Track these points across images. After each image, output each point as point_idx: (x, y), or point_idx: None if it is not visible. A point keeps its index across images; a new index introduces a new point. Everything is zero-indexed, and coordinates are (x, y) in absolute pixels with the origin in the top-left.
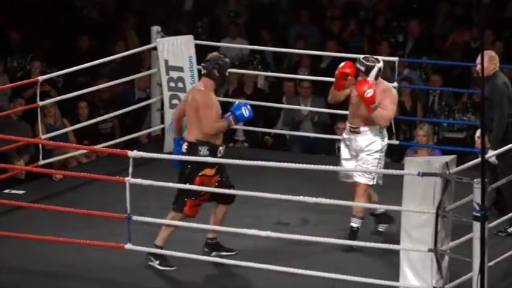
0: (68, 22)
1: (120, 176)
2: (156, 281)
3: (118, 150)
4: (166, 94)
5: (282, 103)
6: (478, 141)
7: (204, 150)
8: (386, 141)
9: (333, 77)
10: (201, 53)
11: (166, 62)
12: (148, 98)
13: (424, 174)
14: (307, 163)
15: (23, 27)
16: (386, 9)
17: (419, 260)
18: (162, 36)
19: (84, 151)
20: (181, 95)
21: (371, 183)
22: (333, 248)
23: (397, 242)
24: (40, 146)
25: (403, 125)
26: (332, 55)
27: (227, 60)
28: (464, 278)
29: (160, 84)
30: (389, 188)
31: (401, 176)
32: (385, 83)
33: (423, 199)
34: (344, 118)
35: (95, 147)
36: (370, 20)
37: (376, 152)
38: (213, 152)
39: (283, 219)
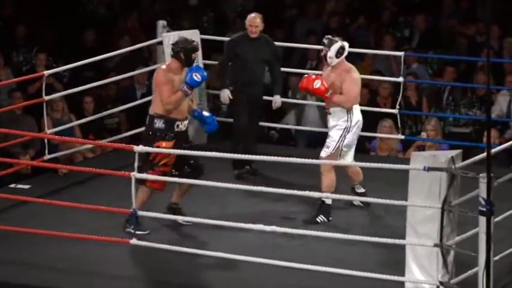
0: (73, 16)
1: (126, 171)
2: (161, 275)
3: (124, 145)
4: None
5: (288, 97)
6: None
7: (159, 123)
8: (353, 120)
9: None
10: (207, 47)
11: None
12: (149, 93)
13: (430, 169)
14: (312, 158)
15: (28, 21)
16: (392, 4)
17: (425, 255)
18: (167, 31)
19: (90, 146)
20: None
21: (325, 154)
22: (338, 243)
23: (403, 237)
24: (46, 140)
25: (408, 120)
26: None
27: (195, 44)
28: (470, 272)
29: None
30: (396, 183)
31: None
32: (348, 64)
33: (429, 194)
34: None
35: (100, 142)
36: (377, 14)
37: (340, 129)
38: (168, 125)
39: (288, 214)
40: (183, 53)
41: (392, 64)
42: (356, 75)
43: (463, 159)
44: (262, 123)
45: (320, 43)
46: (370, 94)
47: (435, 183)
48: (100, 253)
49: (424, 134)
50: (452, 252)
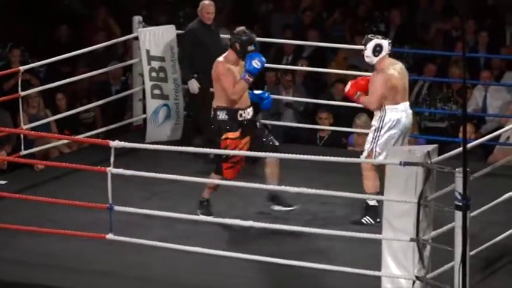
0: (47, 11)
1: (102, 166)
2: (139, 271)
3: (100, 140)
4: (148, 84)
5: None
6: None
7: (222, 115)
8: (385, 119)
9: (314, 66)
10: None
11: (147, 52)
12: (124, 88)
13: (406, 164)
14: (288, 153)
15: (2, 16)
16: None
17: (401, 250)
18: (143, 26)
19: (66, 141)
20: (163, 85)
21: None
22: (314, 238)
23: (379, 232)
24: (22, 136)
25: None
26: (315, 45)
27: (253, 36)
28: (446, 267)
29: (141, 74)
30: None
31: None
32: (384, 63)
33: (405, 189)
34: (325, 108)
35: (77, 137)
36: (352, 9)
37: (373, 130)
38: (231, 116)
39: (267, 209)
40: (239, 44)
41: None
42: (384, 76)
43: (439, 154)
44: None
45: (295, 38)
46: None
47: (411, 178)
48: (77, 248)
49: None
50: (428, 247)
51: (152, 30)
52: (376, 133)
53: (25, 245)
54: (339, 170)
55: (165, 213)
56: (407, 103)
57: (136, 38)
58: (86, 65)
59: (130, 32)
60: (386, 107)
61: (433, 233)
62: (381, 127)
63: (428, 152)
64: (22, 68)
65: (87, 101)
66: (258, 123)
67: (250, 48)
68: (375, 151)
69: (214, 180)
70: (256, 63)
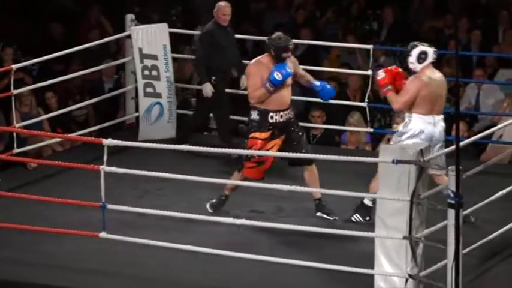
0: (40, 9)
1: (95, 164)
2: (131, 269)
3: (92, 138)
4: (141, 82)
5: None
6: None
7: (254, 114)
8: (409, 126)
9: (306, 64)
10: (175, 41)
11: (140, 50)
12: (117, 87)
13: (398, 162)
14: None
15: None
16: None
17: (394, 248)
18: (136, 25)
19: (59, 139)
20: (156, 83)
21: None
22: (307, 236)
23: (372, 230)
24: (14, 134)
25: (377, 113)
26: (308, 43)
27: (290, 44)
28: (438, 265)
29: (134, 73)
30: (365, 176)
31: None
32: (425, 72)
33: (398, 187)
34: (318, 106)
35: (69, 135)
36: (345, 8)
37: (396, 134)
38: (262, 117)
39: (259, 207)
40: (273, 50)
41: (358, 57)
42: (420, 83)
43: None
44: (232, 117)
45: (288, 36)
46: (339, 87)
47: (404, 176)
48: (70, 247)
49: (396, 127)
50: (421, 245)
51: (145, 29)
52: (398, 138)
53: (17, 243)
54: (331, 168)
55: (158, 211)
56: (439, 116)
57: (129, 36)
58: (79, 63)
59: (123, 30)
60: (414, 114)
61: (426, 231)
62: (403, 133)
63: (421, 150)
64: (14, 66)
65: (80, 98)
66: (296, 128)
67: (285, 55)
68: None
69: (207, 178)
70: (277, 75)
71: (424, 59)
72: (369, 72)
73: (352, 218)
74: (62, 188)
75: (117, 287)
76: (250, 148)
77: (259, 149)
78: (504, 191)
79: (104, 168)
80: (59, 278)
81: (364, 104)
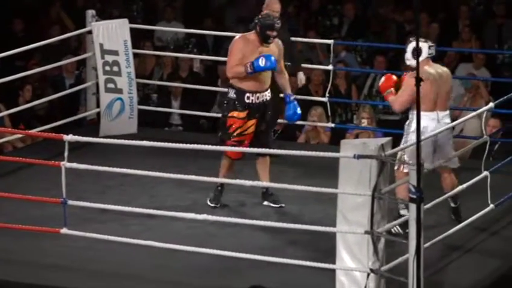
0: (0, 5)
1: (56, 160)
2: (93, 265)
3: (53, 134)
4: (102, 78)
5: (218, 86)
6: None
7: (232, 92)
8: (412, 125)
9: None
10: (136, 36)
11: (101, 45)
12: (78, 82)
13: (359, 157)
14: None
15: None
16: None
17: (356, 243)
18: (97, 20)
19: (20, 135)
20: (117, 79)
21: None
22: (269, 231)
23: (333, 225)
24: None
25: (338, 108)
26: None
27: (276, 23)
28: (400, 259)
29: (95, 68)
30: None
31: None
32: (426, 66)
33: (359, 181)
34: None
35: (30, 131)
36: (306, 3)
37: (404, 136)
38: (239, 96)
39: (228, 203)
40: (259, 27)
41: (319, 53)
42: (410, 80)
43: (393, 147)
44: (192, 112)
45: (249, 32)
46: None
47: (365, 170)
48: (31, 243)
49: (364, 122)
50: (382, 240)
51: (105, 24)
52: (404, 138)
53: None
54: (293, 162)
55: (119, 207)
56: (443, 112)
57: (90, 32)
58: (41, 59)
59: (84, 26)
60: (412, 112)
61: (388, 226)
62: (408, 133)
63: (382, 144)
64: None
65: (40, 92)
66: (269, 112)
67: (269, 33)
68: (404, 159)
69: (168, 174)
70: (262, 61)
71: (419, 55)
72: (330, 67)
73: (392, 230)
74: (23, 184)
75: (79, 282)
76: (230, 126)
77: (237, 128)
78: (464, 185)
79: (65, 164)
80: (20, 274)
81: (325, 99)
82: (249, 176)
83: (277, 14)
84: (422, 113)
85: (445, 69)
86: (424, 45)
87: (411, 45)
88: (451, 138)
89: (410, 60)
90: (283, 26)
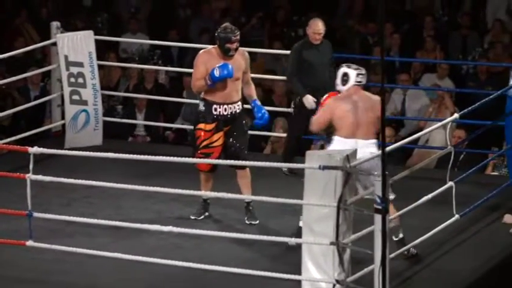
0: None
1: (21, 173)
2: (58, 277)
3: (18, 146)
4: (67, 90)
5: (183, 97)
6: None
7: (201, 105)
8: (329, 148)
9: None
10: (101, 48)
11: (66, 57)
12: (43, 94)
13: (325, 168)
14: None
15: None
16: (287, 2)
17: (321, 254)
18: (61, 32)
19: None
20: (82, 91)
21: None
22: (234, 242)
23: (299, 236)
24: None
25: None
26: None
27: (234, 35)
28: (366, 270)
29: (60, 80)
30: (291, 181)
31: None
32: (352, 93)
33: (324, 192)
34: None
35: None
36: (271, 14)
37: None
38: (207, 108)
39: (185, 214)
40: (218, 40)
41: (284, 64)
42: (331, 104)
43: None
44: (158, 124)
45: (213, 42)
46: (264, 93)
47: (330, 181)
48: None
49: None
50: (348, 250)
51: (70, 36)
52: None
53: None
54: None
55: (85, 219)
56: (364, 141)
57: (55, 44)
58: (5, 71)
59: (49, 38)
60: (335, 136)
61: (353, 237)
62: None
63: (347, 155)
64: None
65: (4, 104)
66: (240, 125)
67: (228, 45)
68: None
69: (133, 186)
70: (216, 71)
71: (347, 81)
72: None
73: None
74: None
75: None
76: (198, 138)
77: (203, 140)
78: (430, 195)
79: (30, 176)
80: None
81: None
82: (234, 190)
83: (319, 36)
84: (339, 138)
85: (374, 98)
86: (353, 73)
87: (340, 71)
88: (376, 169)
89: (339, 86)
90: (325, 50)
